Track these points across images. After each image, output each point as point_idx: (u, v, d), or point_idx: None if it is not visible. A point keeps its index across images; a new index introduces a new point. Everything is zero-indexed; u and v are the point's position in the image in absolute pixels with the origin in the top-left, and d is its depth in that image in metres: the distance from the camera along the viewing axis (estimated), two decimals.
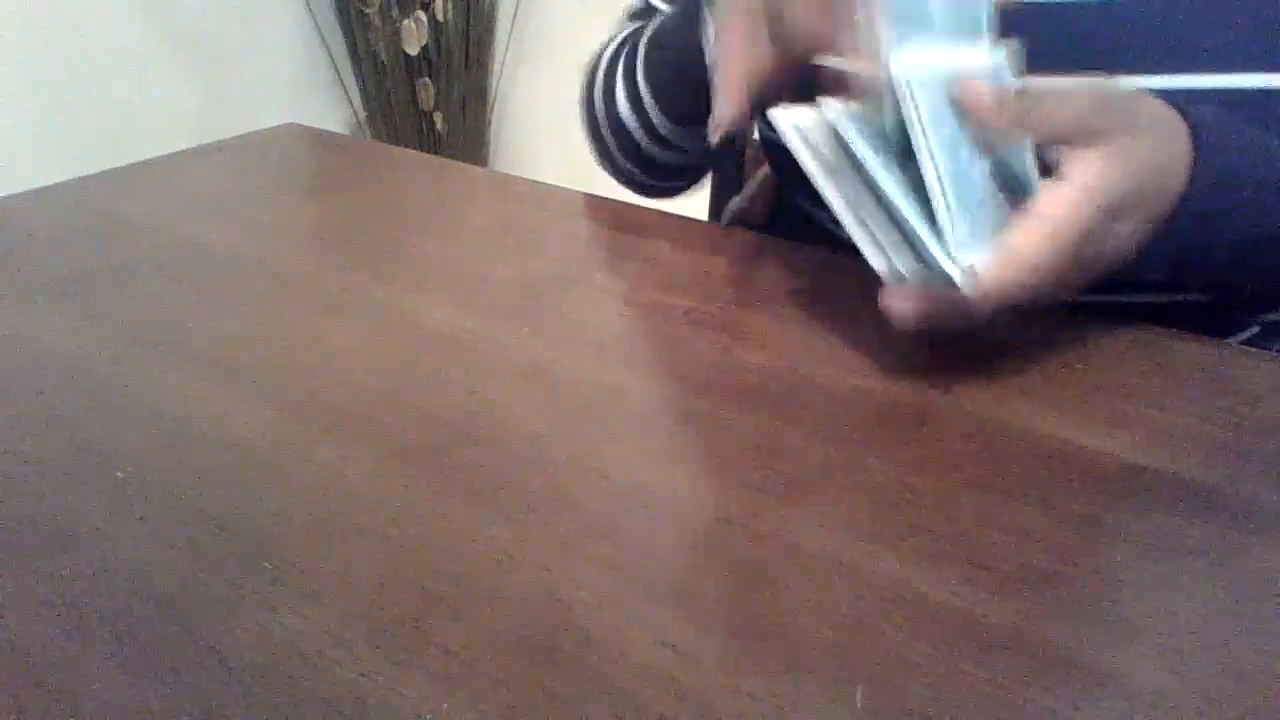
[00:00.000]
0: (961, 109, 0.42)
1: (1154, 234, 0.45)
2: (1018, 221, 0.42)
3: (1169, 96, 0.46)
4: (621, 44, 0.69)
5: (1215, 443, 0.41)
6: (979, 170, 0.43)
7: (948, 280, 0.42)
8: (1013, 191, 0.44)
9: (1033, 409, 0.43)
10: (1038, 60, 0.50)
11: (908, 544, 0.35)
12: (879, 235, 0.44)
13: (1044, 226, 0.41)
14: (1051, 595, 0.33)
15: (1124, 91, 0.44)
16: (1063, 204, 0.42)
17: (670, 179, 0.74)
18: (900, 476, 0.39)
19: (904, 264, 0.44)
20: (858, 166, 0.43)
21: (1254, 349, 0.49)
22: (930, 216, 0.42)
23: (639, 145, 0.68)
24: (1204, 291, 0.51)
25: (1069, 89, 0.42)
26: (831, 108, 0.44)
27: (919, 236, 0.42)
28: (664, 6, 0.74)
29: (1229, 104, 0.49)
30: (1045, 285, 0.42)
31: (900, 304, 0.44)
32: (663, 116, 0.65)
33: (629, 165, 0.71)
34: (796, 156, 0.45)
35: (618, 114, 0.68)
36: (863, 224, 0.44)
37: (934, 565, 0.34)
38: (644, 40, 0.65)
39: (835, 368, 0.47)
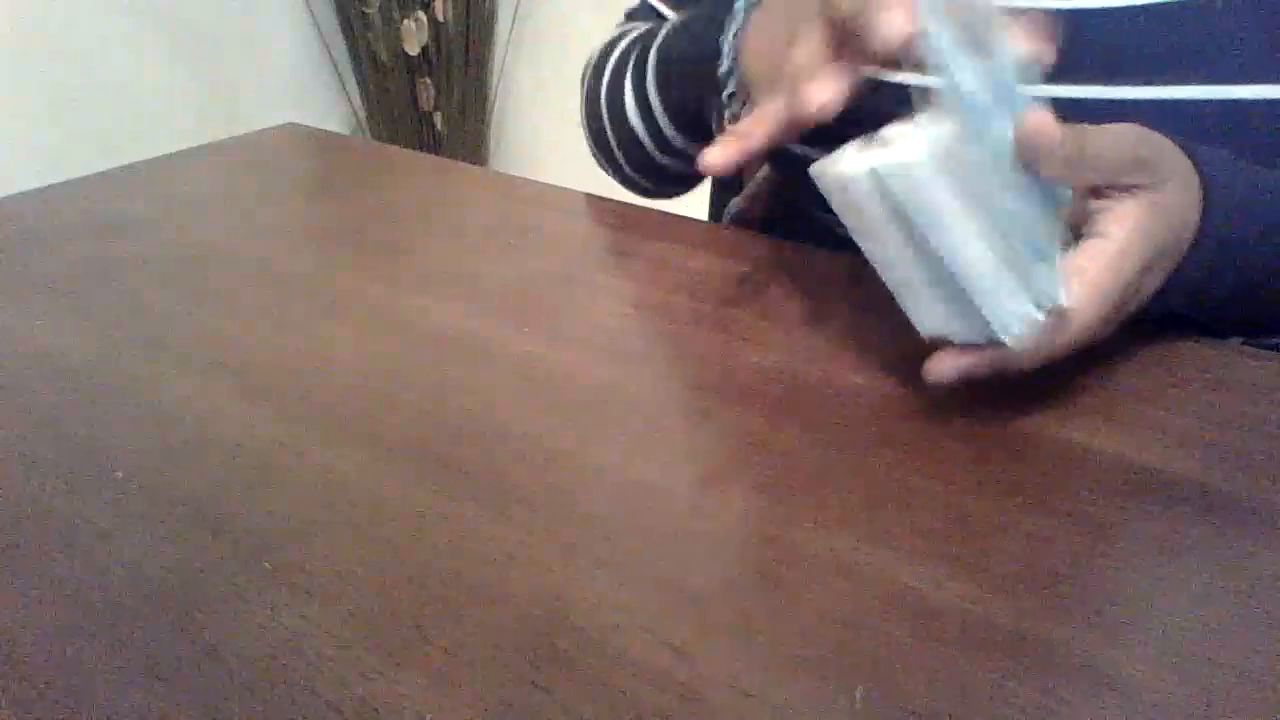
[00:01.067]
0: (1023, 145, 0.39)
1: (1166, 280, 0.45)
2: (1065, 280, 0.41)
3: (1178, 108, 0.46)
4: (627, 49, 0.68)
5: (1215, 443, 0.41)
6: (1020, 219, 0.40)
7: (993, 337, 0.40)
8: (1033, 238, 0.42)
9: (1033, 409, 0.43)
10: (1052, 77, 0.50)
11: (908, 544, 0.35)
12: (923, 291, 0.42)
13: (1093, 293, 0.41)
14: (1051, 595, 0.33)
15: (1154, 138, 0.43)
16: (1108, 265, 0.41)
17: (675, 184, 0.74)
18: (900, 476, 0.39)
19: (948, 322, 0.42)
20: (902, 220, 0.40)
21: (1254, 349, 0.48)
22: (985, 270, 0.40)
23: (648, 154, 0.68)
24: (1205, 321, 0.51)
25: (1109, 132, 0.41)
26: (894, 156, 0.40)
27: (975, 291, 0.40)
28: (662, 8, 0.74)
29: (1240, 115, 0.49)
30: (1084, 341, 0.42)
31: (944, 365, 0.42)
32: (674, 128, 0.65)
33: (635, 174, 0.71)
34: (837, 212, 0.43)
35: (626, 122, 0.67)
36: (906, 281, 0.42)
37: (934, 565, 0.34)
38: (654, 50, 0.65)
39: (835, 368, 0.47)
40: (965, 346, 0.42)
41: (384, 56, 2.01)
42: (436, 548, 0.36)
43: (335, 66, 2.10)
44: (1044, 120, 0.38)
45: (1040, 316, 0.40)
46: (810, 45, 0.45)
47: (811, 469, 0.40)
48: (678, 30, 0.64)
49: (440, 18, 2.00)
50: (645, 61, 0.65)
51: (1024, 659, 0.31)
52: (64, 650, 0.32)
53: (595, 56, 0.73)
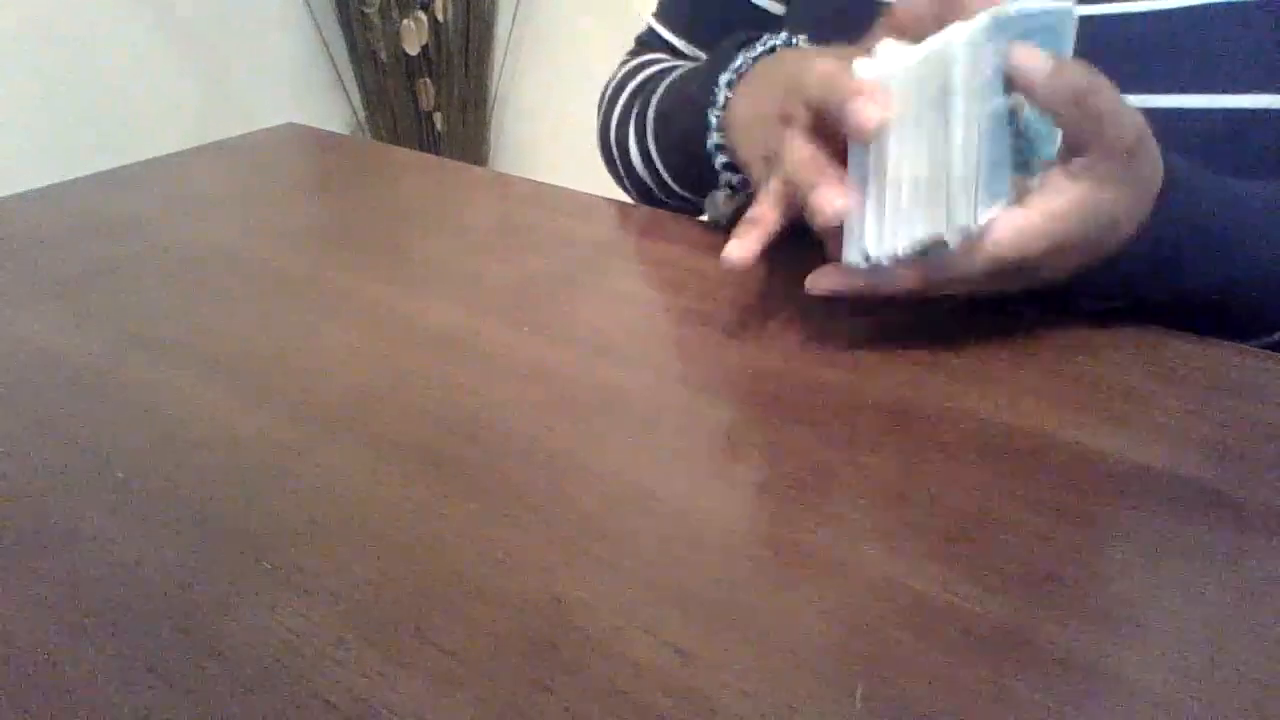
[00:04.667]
0: (1013, 69, 0.42)
1: (1097, 267, 0.46)
2: (1033, 199, 0.43)
3: (1181, 116, 0.46)
4: (629, 101, 0.69)
5: (1215, 443, 0.41)
6: (999, 144, 0.43)
7: (936, 234, 0.43)
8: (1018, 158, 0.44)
9: (1033, 409, 0.43)
10: None
11: (908, 544, 0.35)
12: (898, 194, 0.43)
13: (1014, 237, 0.43)
14: (1051, 595, 0.33)
15: (1150, 135, 0.44)
16: (1038, 221, 0.43)
17: (682, 206, 0.74)
18: (900, 476, 0.39)
19: (894, 228, 0.44)
20: (928, 108, 0.42)
21: (1254, 349, 0.48)
22: (972, 160, 0.42)
23: (653, 193, 0.69)
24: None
25: (1122, 104, 0.42)
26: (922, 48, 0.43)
27: (954, 179, 0.42)
28: (670, 37, 0.75)
29: (1242, 124, 0.49)
30: (973, 280, 0.44)
31: (826, 280, 0.46)
32: (677, 184, 0.66)
33: (644, 201, 0.72)
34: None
35: (632, 166, 0.69)
36: (890, 183, 0.44)
37: (934, 565, 0.34)
38: (652, 111, 0.66)
39: (835, 368, 0.47)
40: (847, 269, 0.45)
41: (384, 56, 2.02)
42: (436, 548, 0.36)
43: (335, 66, 2.10)
44: (1033, 51, 0.41)
45: (974, 229, 0.43)
46: (799, 134, 0.46)
47: (811, 469, 0.40)
48: (672, 91, 0.64)
49: (440, 18, 2.01)
50: (645, 119, 0.66)
51: (1024, 659, 0.31)
52: (64, 650, 0.32)
53: (608, 94, 0.73)
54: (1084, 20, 0.46)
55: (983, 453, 0.41)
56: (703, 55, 0.72)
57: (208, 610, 0.33)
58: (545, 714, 0.29)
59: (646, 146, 0.66)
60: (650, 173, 0.67)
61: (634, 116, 0.68)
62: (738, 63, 0.56)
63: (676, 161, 0.64)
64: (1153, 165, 0.44)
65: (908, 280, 0.45)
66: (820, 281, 0.47)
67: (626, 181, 0.72)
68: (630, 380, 0.47)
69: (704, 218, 0.64)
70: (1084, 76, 0.41)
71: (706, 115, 0.56)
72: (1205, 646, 0.31)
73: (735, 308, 0.53)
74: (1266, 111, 0.50)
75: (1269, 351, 0.48)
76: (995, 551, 0.35)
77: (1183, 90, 0.50)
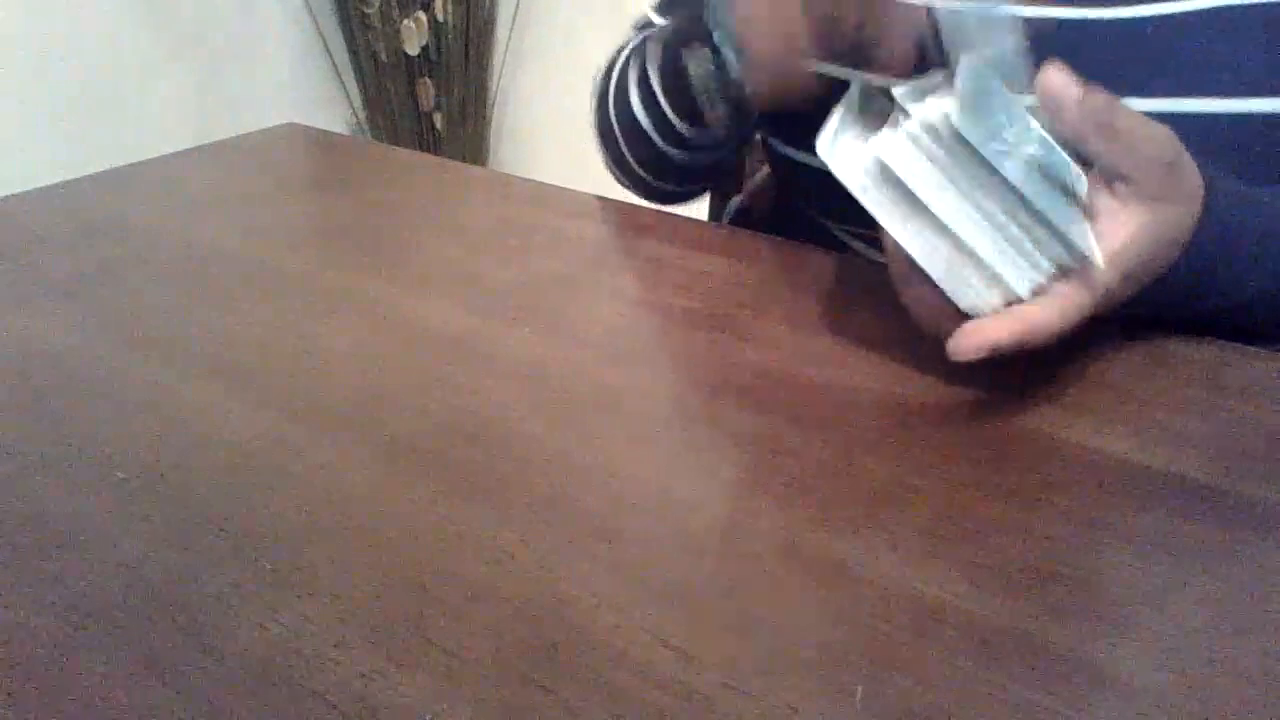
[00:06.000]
0: (1042, 96, 0.41)
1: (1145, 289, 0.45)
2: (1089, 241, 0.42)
3: (1187, 121, 0.46)
4: (633, 51, 0.69)
5: (1215, 443, 0.41)
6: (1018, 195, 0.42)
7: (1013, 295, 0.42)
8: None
9: (1033, 409, 0.43)
10: None
11: (907, 544, 0.35)
12: (951, 265, 0.43)
13: (1114, 259, 0.42)
14: (1051, 595, 0.33)
15: (1183, 149, 0.43)
16: (1119, 247, 0.42)
17: (680, 182, 0.73)
18: (900, 476, 0.39)
19: (981, 289, 0.43)
20: (915, 199, 0.42)
21: (1255, 349, 0.48)
22: (985, 237, 0.42)
23: (654, 145, 0.68)
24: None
25: (1148, 124, 0.42)
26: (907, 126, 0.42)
27: (985, 254, 0.41)
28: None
29: (1249, 128, 0.49)
30: (1100, 306, 0.43)
31: (970, 341, 0.42)
32: (675, 114, 0.65)
33: (642, 172, 0.71)
34: (860, 198, 0.43)
35: (632, 114, 0.67)
36: (936, 255, 0.43)
37: (934, 565, 0.34)
38: (652, 40, 0.65)
39: (835, 368, 0.47)
40: (992, 321, 0.42)
41: (384, 56, 2.01)
42: (436, 548, 0.36)
43: (335, 66, 2.10)
44: (1062, 75, 0.40)
45: (1052, 271, 0.42)
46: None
47: (811, 469, 0.40)
48: (676, 21, 0.64)
49: (440, 18, 2.00)
50: (645, 52, 0.65)
51: (1024, 659, 0.31)
52: (64, 650, 0.32)
53: (605, 64, 0.73)
54: (1088, 24, 0.46)
55: (983, 453, 0.41)
56: None
57: (208, 610, 0.33)
58: (545, 714, 0.29)
59: (649, 87, 0.64)
60: (650, 114, 0.65)
61: (634, 62, 0.66)
62: None
63: (679, 84, 0.63)
64: (1194, 175, 0.44)
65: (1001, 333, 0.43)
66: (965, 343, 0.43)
67: (626, 147, 0.69)
68: (630, 380, 0.47)
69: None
70: (1106, 97, 0.41)
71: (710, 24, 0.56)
72: (1205, 646, 0.31)
73: (735, 308, 0.53)
74: (1273, 115, 0.49)
75: (1269, 351, 0.48)
76: (995, 551, 0.35)
77: (1188, 94, 0.50)
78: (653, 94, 0.65)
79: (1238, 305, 0.48)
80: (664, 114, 0.65)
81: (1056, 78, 0.41)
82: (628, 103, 0.67)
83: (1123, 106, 0.41)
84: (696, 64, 0.60)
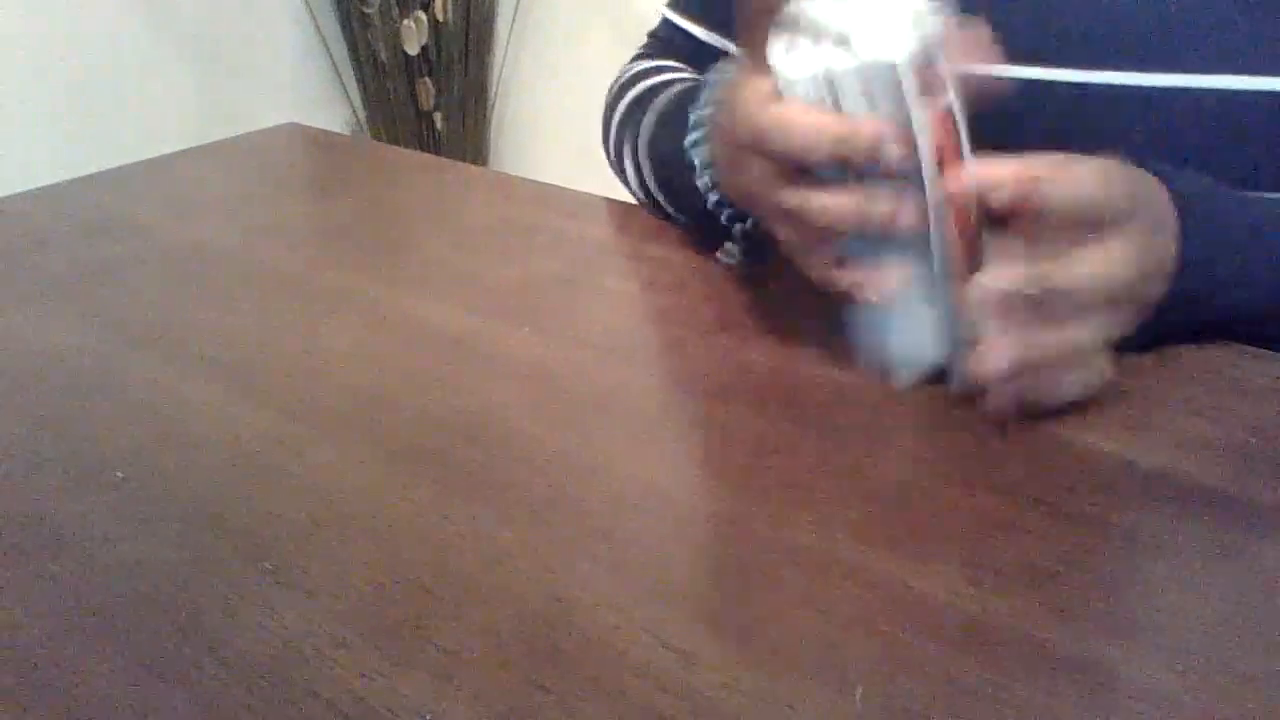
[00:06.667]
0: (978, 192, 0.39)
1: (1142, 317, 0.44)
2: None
3: (1169, 97, 0.46)
4: (624, 119, 0.67)
5: (1215, 443, 0.41)
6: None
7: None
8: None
9: (1033, 410, 0.43)
10: (1033, 58, 0.49)
11: (908, 544, 0.35)
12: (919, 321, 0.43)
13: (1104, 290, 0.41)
14: (1051, 595, 0.33)
15: (1121, 177, 0.42)
16: (1115, 272, 0.41)
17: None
18: (900, 476, 0.39)
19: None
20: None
21: (1256, 349, 0.48)
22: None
23: (652, 210, 0.68)
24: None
25: (1070, 176, 0.40)
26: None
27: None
28: (686, 24, 0.71)
29: (1237, 105, 0.49)
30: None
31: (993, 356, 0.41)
32: (670, 209, 0.65)
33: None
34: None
35: (629, 184, 0.67)
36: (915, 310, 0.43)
37: (934, 565, 0.34)
38: (645, 147, 0.64)
39: (835, 368, 0.47)
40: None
41: (384, 56, 2.01)
42: (436, 548, 0.36)
43: (335, 66, 2.10)
44: (989, 172, 0.39)
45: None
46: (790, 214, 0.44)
47: (811, 469, 0.40)
48: (663, 123, 0.62)
49: (440, 18, 2.00)
50: (638, 140, 0.64)
51: (1024, 659, 0.31)
52: (64, 650, 0.32)
53: (610, 93, 0.71)
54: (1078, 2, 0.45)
55: (983, 453, 0.41)
56: (721, 41, 0.70)
57: (208, 610, 0.33)
58: (545, 714, 0.29)
59: (643, 178, 0.64)
60: (646, 197, 0.65)
61: (627, 143, 0.66)
62: (709, 94, 0.54)
63: (677, 192, 0.62)
64: (1156, 194, 0.43)
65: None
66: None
67: (631, 193, 0.70)
68: (630, 380, 0.47)
69: (720, 257, 0.62)
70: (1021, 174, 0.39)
71: (689, 155, 0.55)
72: (1205, 646, 0.31)
73: (735, 308, 0.53)
74: (1261, 93, 0.49)
75: (1270, 352, 0.48)
76: (996, 551, 0.35)
77: (1178, 69, 0.50)
78: (646, 185, 0.64)
79: (1243, 303, 0.47)
80: (658, 201, 0.64)
81: (991, 168, 0.39)
82: (624, 173, 0.67)
83: (1043, 179, 0.39)
84: (727, 255, 0.60)
